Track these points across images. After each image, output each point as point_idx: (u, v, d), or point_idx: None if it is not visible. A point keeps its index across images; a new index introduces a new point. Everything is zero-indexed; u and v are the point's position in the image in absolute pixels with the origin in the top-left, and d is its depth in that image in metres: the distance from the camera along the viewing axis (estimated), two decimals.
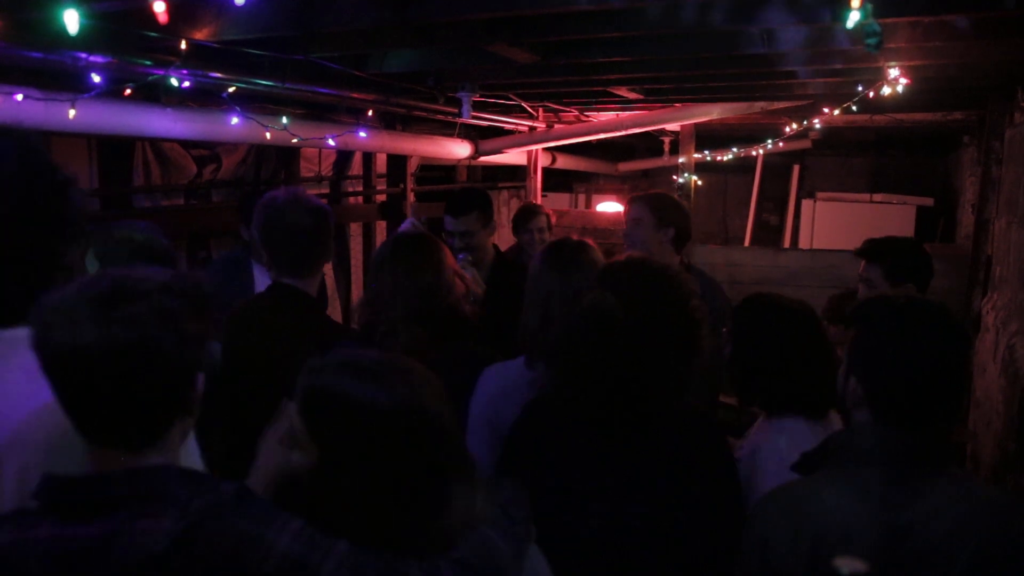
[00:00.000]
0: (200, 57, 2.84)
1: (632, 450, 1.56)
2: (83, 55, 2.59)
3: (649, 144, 8.01)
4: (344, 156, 5.93)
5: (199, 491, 1.04)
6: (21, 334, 1.06)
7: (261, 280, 2.97)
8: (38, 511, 1.05)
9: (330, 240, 2.28)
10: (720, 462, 1.59)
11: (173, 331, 1.06)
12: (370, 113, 4.69)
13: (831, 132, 6.40)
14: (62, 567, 1.00)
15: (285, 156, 5.21)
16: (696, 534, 1.51)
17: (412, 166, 6.28)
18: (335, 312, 5.72)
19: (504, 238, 7.81)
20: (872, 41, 1.78)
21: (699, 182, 6.21)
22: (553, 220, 4.04)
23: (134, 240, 2.03)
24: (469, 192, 3.31)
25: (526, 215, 3.97)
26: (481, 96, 4.19)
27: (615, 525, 1.54)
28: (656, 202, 2.89)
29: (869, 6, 1.73)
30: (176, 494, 1.03)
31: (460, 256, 3.08)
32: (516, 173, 7.54)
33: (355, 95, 3.90)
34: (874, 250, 2.69)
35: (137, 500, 1.03)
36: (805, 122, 5.00)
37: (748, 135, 6.52)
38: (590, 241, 2.12)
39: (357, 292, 5.98)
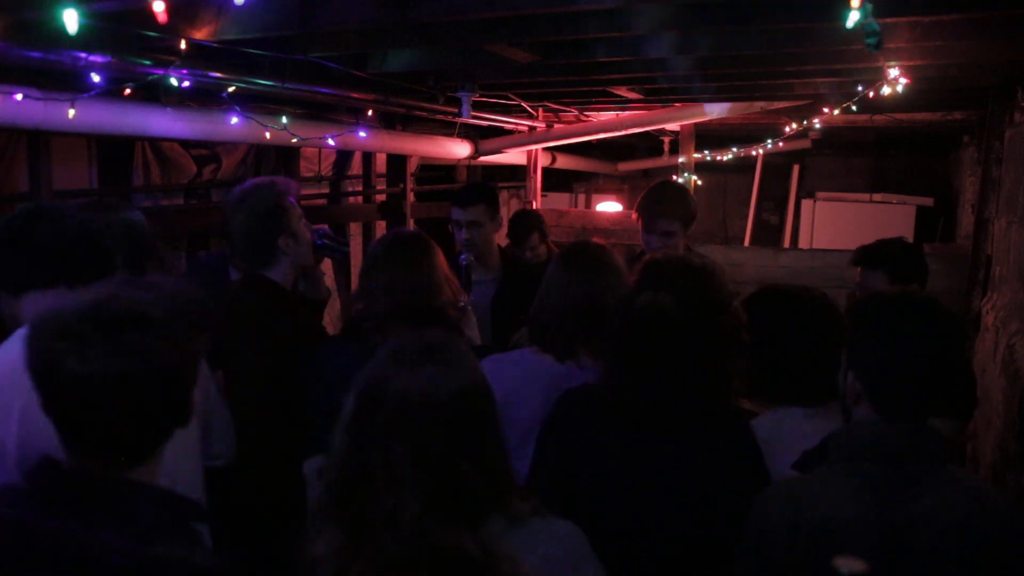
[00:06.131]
0: (200, 57, 2.84)
1: (672, 445, 1.58)
2: (83, 55, 2.58)
3: (649, 144, 8.00)
4: (344, 156, 5.93)
5: (164, 514, 1.04)
6: None
7: None
8: (24, 489, 1.05)
9: (252, 234, 2.30)
10: (754, 460, 1.61)
11: (179, 355, 1.07)
12: (370, 113, 4.68)
13: (831, 132, 6.40)
14: (12, 553, 0.99)
15: (285, 156, 5.20)
16: (729, 532, 1.50)
17: (412, 166, 6.28)
18: (334, 312, 5.71)
19: (501, 237, 7.81)
20: (872, 41, 1.77)
21: (699, 182, 6.21)
22: (551, 221, 4.00)
23: None
24: (476, 184, 3.34)
25: (520, 232, 3.82)
26: (481, 96, 4.19)
27: (648, 519, 1.55)
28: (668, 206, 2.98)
29: (869, 6, 1.72)
30: (143, 512, 1.02)
31: (462, 256, 3.08)
32: (516, 173, 7.53)
33: (355, 95, 3.90)
34: (873, 256, 2.54)
35: (107, 510, 1.02)
36: (805, 122, 5.00)
37: (748, 135, 6.52)
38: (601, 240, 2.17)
39: None
